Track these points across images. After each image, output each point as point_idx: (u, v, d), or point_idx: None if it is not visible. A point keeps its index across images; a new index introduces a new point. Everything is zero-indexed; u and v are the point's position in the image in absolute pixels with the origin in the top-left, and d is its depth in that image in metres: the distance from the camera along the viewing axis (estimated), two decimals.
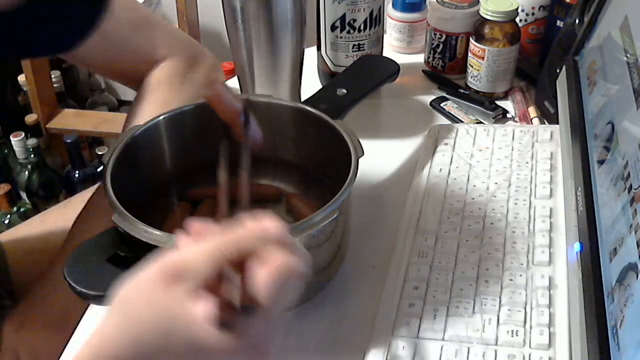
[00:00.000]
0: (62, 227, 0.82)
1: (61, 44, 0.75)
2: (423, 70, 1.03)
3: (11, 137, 1.64)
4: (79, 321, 0.68)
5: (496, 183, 0.77)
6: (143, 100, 0.80)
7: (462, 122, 0.92)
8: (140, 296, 0.44)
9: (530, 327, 0.61)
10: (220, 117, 0.61)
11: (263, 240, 0.43)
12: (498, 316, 0.62)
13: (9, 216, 1.61)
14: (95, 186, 0.84)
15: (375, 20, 0.92)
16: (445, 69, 1.01)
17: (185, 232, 0.45)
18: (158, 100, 0.80)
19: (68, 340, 0.67)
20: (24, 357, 0.75)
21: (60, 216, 0.91)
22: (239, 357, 0.44)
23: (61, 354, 0.75)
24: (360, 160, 0.64)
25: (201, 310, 0.42)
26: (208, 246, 0.43)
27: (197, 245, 0.43)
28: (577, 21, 0.85)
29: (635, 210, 0.53)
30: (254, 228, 0.43)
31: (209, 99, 0.61)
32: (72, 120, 1.96)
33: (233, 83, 0.94)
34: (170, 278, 0.42)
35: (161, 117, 0.71)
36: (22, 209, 1.63)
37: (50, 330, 0.75)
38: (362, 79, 0.84)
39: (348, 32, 0.92)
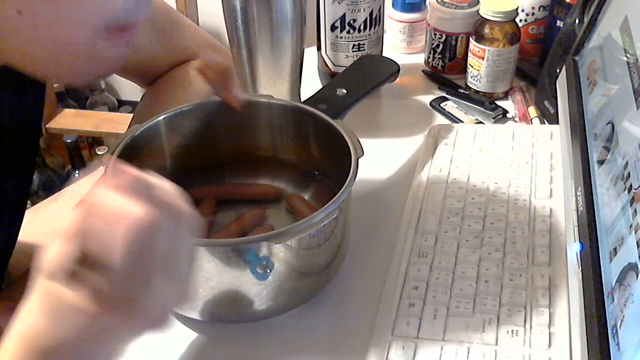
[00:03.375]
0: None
1: None
2: (423, 70, 1.03)
3: None
4: None
5: (496, 183, 0.77)
6: (165, 93, 0.81)
7: (462, 122, 0.92)
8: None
9: (530, 327, 0.61)
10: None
11: (100, 187, 0.41)
12: (498, 316, 0.62)
13: None
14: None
15: (375, 20, 0.92)
16: (445, 69, 1.01)
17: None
18: (179, 95, 0.80)
19: None
20: None
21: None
22: (86, 313, 0.41)
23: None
24: (360, 160, 0.64)
25: (51, 259, 0.40)
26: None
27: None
28: (577, 21, 0.85)
29: (635, 210, 0.53)
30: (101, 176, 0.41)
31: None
32: (72, 120, 1.96)
33: None
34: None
35: (161, 117, 0.71)
36: None
37: None
38: (362, 79, 0.84)
39: (348, 32, 0.92)
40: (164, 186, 0.43)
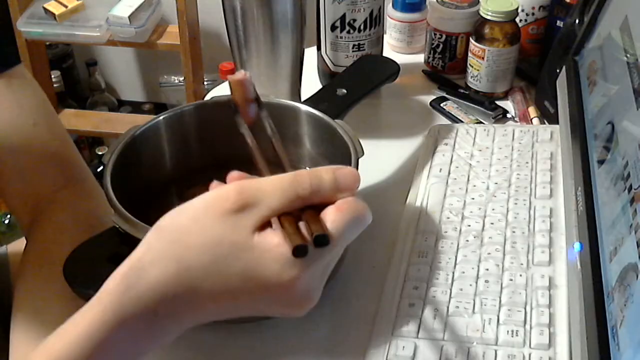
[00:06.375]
0: None
1: None
2: (423, 70, 1.03)
3: None
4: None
5: (496, 183, 0.77)
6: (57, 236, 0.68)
7: (462, 122, 0.92)
8: (195, 223, 0.42)
9: (530, 327, 0.61)
10: (234, 98, 0.59)
11: (337, 185, 0.43)
12: (498, 316, 0.62)
13: (9, 216, 1.61)
14: None
15: (375, 20, 0.92)
16: (445, 69, 1.01)
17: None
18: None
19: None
20: None
21: None
22: (291, 294, 0.42)
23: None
24: (360, 160, 0.64)
25: (272, 239, 0.41)
26: (280, 180, 0.42)
27: (267, 178, 0.43)
28: (577, 21, 0.85)
29: (635, 210, 0.53)
30: (327, 172, 0.43)
31: (232, 82, 0.59)
32: (72, 120, 1.96)
33: None
34: (237, 207, 0.41)
35: (161, 117, 0.71)
36: None
37: None
38: (362, 79, 0.84)
39: (348, 32, 0.92)
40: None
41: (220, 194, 0.42)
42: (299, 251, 0.41)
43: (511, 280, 0.65)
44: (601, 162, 0.64)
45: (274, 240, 0.41)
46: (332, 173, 0.43)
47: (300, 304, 0.44)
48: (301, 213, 0.43)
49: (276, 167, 0.50)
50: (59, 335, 0.44)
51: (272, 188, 0.42)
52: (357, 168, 0.63)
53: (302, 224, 0.42)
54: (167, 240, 0.43)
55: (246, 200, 0.42)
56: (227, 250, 0.41)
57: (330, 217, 0.42)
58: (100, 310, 0.43)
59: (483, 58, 0.93)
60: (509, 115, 0.93)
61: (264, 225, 0.42)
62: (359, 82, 0.82)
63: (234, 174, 0.45)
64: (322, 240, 0.41)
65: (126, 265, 0.43)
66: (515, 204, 0.74)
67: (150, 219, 0.59)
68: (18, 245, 0.92)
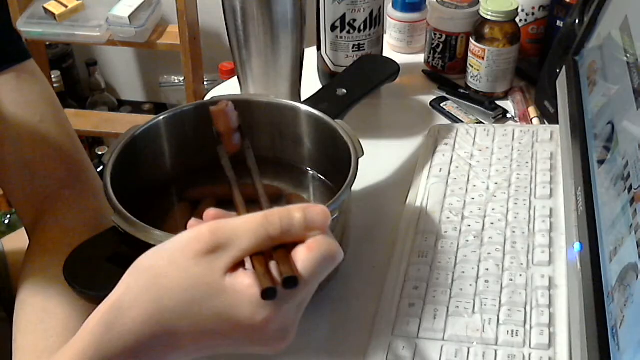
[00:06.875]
0: None
1: None
2: (423, 70, 1.03)
3: None
4: None
5: (496, 183, 0.77)
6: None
7: (462, 122, 0.92)
8: (171, 265, 0.43)
9: (530, 327, 0.61)
10: (217, 127, 0.60)
11: (307, 223, 0.43)
12: (498, 316, 0.62)
13: (9, 216, 1.61)
14: None
15: (375, 20, 0.92)
16: (445, 69, 1.01)
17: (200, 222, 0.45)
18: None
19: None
20: None
21: None
22: (265, 334, 0.43)
23: None
24: (360, 160, 0.64)
25: (243, 281, 0.42)
26: (251, 220, 0.43)
27: (239, 218, 0.43)
28: (577, 21, 0.85)
29: (635, 210, 0.53)
30: (298, 211, 0.43)
31: (214, 112, 0.60)
32: (72, 120, 1.95)
33: (233, 83, 0.94)
34: (210, 248, 0.42)
35: (161, 117, 0.71)
36: None
37: None
38: (362, 79, 0.84)
39: (348, 32, 0.92)
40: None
41: (194, 235, 0.43)
42: (268, 294, 0.41)
43: (511, 280, 0.65)
44: (601, 162, 0.64)
45: (245, 282, 0.42)
46: (302, 212, 0.43)
47: (274, 342, 0.45)
48: (274, 252, 0.43)
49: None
50: None
51: (244, 228, 0.43)
52: (357, 168, 0.63)
53: (272, 264, 0.43)
54: (144, 282, 0.44)
55: (219, 241, 0.42)
56: (201, 292, 0.42)
57: (301, 256, 0.43)
58: (82, 349, 0.44)
59: (483, 58, 0.93)
60: (509, 115, 0.93)
61: (237, 265, 0.43)
62: (359, 82, 0.82)
63: (210, 212, 0.46)
64: (291, 281, 0.42)
65: (106, 304, 0.44)
66: (515, 204, 0.74)
67: (150, 219, 0.59)
68: (14, 239, 0.92)
